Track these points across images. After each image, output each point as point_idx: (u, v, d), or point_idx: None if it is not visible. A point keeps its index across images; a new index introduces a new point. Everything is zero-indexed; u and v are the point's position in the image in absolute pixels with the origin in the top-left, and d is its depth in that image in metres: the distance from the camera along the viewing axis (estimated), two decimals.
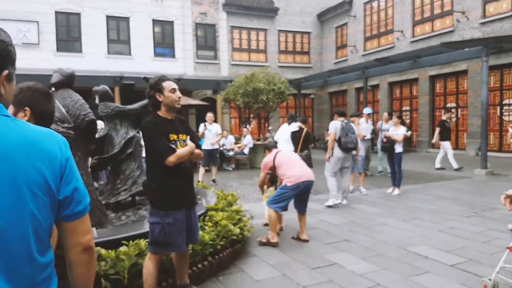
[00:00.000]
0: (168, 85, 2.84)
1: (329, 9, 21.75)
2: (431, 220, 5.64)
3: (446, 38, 14.54)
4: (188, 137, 2.93)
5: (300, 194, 4.77)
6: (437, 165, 11.11)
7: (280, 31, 21.75)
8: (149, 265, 2.88)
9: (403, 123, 7.99)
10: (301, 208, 4.86)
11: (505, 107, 13.36)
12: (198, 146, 2.99)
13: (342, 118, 6.79)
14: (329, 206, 6.63)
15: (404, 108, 17.98)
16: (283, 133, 8.24)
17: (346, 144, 6.51)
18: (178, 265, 3.16)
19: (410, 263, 3.99)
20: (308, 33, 22.55)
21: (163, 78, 2.89)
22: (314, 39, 22.73)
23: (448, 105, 15.72)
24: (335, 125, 6.67)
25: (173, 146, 2.80)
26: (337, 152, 6.63)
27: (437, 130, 11.09)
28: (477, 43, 10.79)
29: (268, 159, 4.97)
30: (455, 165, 10.70)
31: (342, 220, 5.78)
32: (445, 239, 4.73)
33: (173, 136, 2.86)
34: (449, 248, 4.39)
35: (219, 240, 3.87)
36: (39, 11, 16.39)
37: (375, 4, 19.08)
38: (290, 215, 5.31)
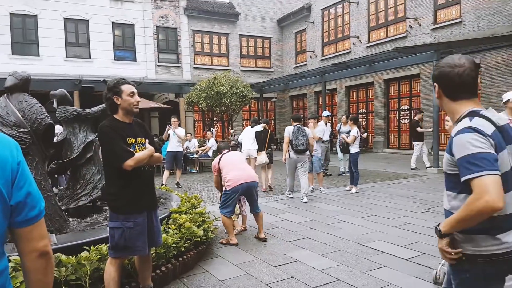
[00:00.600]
0: (127, 88, 2.81)
1: (288, 15, 22.23)
2: (387, 216, 5.94)
3: (400, 43, 15.32)
4: (147, 140, 2.90)
5: (246, 196, 4.93)
6: (427, 164, 10.96)
7: (241, 35, 21.97)
8: (110, 269, 2.85)
9: (356, 123, 8.31)
10: (252, 208, 5.01)
11: None
12: (157, 150, 2.98)
13: (296, 123, 7.34)
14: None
15: (360, 111, 18.70)
16: (247, 133, 8.58)
17: (297, 146, 7.12)
18: (140, 269, 3.14)
19: (367, 258, 4.18)
20: (269, 38, 22.93)
21: (122, 81, 2.84)
22: (275, 44, 23.14)
23: (402, 107, 16.54)
24: (288, 130, 7.36)
25: (131, 149, 2.76)
26: (291, 153, 7.25)
27: (418, 129, 11.10)
28: (429, 48, 11.44)
29: (215, 161, 5.11)
30: (413, 165, 11.15)
31: (303, 219, 5.96)
32: (400, 235, 4.98)
33: (131, 140, 2.82)
34: (404, 243, 4.63)
35: (183, 242, 3.89)
36: None
37: (332, 10, 19.74)
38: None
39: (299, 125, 7.29)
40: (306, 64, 21.28)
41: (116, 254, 2.85)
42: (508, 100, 4.36)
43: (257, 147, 8.52)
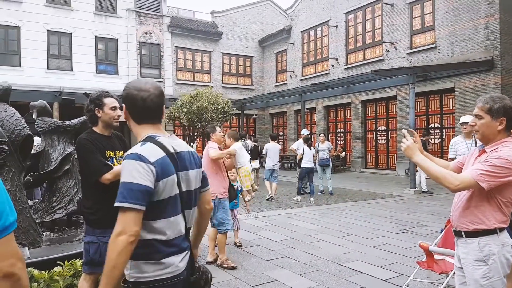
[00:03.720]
0: (109, 102, 2.77)
1: (269, 36, 22.72)
2: (365, 236, 5.98)
3: (377, 66, 15.84)
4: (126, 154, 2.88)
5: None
6: (423, 188, 10.68)
7: (223, 53, 22.24)
8: (84, 286, 2.73)
9: (306, 142, 9.81)
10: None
11: (431, 131, 14.60)
12: None
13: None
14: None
15: (338, 130, 19.06)
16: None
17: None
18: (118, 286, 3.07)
19: (346, 278, 4.19)
20: (250, 57, 23.31)
21: (105, 94, 2.80)
22: (256, 63, 23.52)
23: (379, 128, 16.96)
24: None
25: (110, 163, 2.70)
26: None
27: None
28: (405, 71, 11.88)
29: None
30: (424, 188, 10.68)
31: (282, 237, 5.96)
32: (378, 255, 5.01)
33: (110, 153, 2.76)
34: (382, 264, 4.66)
35: None
36: None
37: (312, 33, 20.29)
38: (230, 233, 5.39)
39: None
40: (286, 83, 21.66)
41: (90, 270, 2.72)
42: (465, 123, 4.46)
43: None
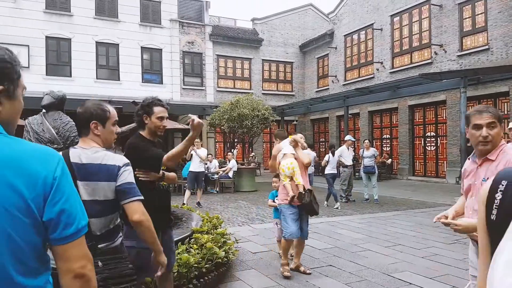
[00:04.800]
0: (158, 111, 2.76)
1: (311, 41, 22.54)
2: (413, 246, 5.72)
3: (425, 70, 15.20)
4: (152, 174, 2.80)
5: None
6: None
7: (264, 60, 22.36)
8: None
9: (330, 149, 10.14)
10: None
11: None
12: (173, 169, 2.97)
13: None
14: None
15: (384, 136, 18.45)
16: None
17: None
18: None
19: None
20: (291, 63, 23.24)
21: (156, 103, 2.79)
22: (297, 68, 23.41)
23: (428, 134, 16.22)
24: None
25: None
26: None
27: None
28: (455, 75, 11.29)
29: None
30: None
31: (325, 245, 5.81)
32: (428, 266, 4.78)
33: None
34: (433, 275, 4.44)
35: (204, 263, 3.84)
36: (30, 35, 16.48)
37: (355, 36, 19.89)
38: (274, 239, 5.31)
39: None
40: (328, 88, 21.35)
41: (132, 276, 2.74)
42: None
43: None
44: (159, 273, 2.37)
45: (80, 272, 1.07)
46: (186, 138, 2.81)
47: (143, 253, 2.59)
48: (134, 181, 2.04)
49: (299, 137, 4.78)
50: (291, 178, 4.49)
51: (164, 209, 2.93)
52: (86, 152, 2.00)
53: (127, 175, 2.01)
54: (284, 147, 4.67)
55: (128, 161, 2.09)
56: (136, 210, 1.99)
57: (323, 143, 22.31)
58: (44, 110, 3.61)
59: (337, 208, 9.29)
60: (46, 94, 3.67)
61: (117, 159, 2.04)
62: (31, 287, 1.02)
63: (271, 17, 22.82)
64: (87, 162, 1.97)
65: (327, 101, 17.03)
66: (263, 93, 21.96)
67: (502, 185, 0.86)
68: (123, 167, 2.01)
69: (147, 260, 2.61)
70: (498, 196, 0.85)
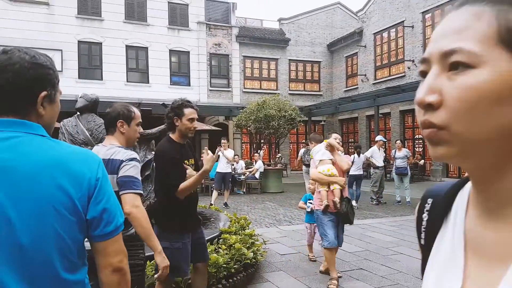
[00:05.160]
0: (188, 112, 2.80)
1: (339, 40, 22.21)
2: None
3: None
4: (189, 169, 2.84)
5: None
6: None
7: (290, 60, 22.23)
8: None
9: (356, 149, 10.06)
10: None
11: None
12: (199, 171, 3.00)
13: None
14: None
15: (416, 136, 17.91)
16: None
17: (304, 161, 10.89)
18: (196, 286, 3.12)
19: None
20: (318, 62, 22.99)
21: (186, 104, 2.83)
22: (324, 68, 23.13)
23: None
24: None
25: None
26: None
27: None
28: None
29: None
30: None
31: (356, 248, 5.69)
32: None
33: (186, 162, 2.86)
34: None
35: (233, 263, 3.84)
36: (63, 40, 17.12)
37: (385, 34, 19.44)
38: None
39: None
40: (357, 87, 20.97)
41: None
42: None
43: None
44: (155, 276, 2.35)
45: (118, 266, 1.14)
46: (199, 172, 2.76)
47: (176, 253, 2.68)
48: (135, 176, 2.13)
49: (334, 139, 4.40)
50: (328, 186, 4.21)
51: (195, 211, 3.00)
52: (103, 149, 2.20)
53: (128, 169, 2.11)
54: (318, 151, 4.38)
55: (135, 157, 2.20)
56: (127, 202, 2.05)
57: (352, 144, 21.94)
58: (78, 113, 3.72)
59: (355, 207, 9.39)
60: (80, 97, 3.78)
61: (123, 154, 2.17)
62: (74, 282, 1.08)
63: (298, 17, 22.66)
64: (102, 158, 2.06)
65: (356, 101, 16.71)
66: (290, 93, 21.84)
67: (428, 204, 0.67)
68: (125, 161, 2.13)
69: (179, 261, 2.67)
70: (425, 217, 0.66)
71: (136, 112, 2.40)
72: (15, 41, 15.19)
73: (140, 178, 2.20)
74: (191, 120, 2.80)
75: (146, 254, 3.43)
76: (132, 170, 2.13)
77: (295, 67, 22.45)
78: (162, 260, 2.22)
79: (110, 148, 2.21)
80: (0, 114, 1.06)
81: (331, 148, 4.30)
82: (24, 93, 1.06)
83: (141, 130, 2.51)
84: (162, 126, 4.63)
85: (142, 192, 2.14)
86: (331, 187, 4.20)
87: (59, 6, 17.22)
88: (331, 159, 4.31)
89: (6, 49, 1.08)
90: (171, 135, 2.87)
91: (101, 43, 18.00)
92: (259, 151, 15.97)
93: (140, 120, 2.41)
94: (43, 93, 1.09)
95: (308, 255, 5.15)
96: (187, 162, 2.85)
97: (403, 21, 17.99)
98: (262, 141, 16.75)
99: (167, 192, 2.75)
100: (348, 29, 22.45)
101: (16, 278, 0.98)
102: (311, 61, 22.78)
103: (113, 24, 18.12)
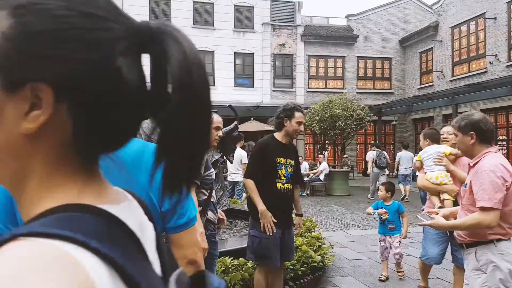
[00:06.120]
0: (298, 116, 3.08)
1: (412, 35, 20.96)
2: None
3: None
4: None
5: None
6: None
7: (359, 57, 21.44)
8: (258, 277, 3.11)
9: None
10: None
11: None
12: (300, 177, 3.37)
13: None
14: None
15: (499, 137, 16.25)
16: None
17: (380, 164, 11.46)
18: (272, 285, 3.21)
19: None
20: (389, 58, 21.90)
21: (297, 108, 3.12)
22: (396, 64, 21.98)
23: None
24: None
25: (278, 168, 3.03)
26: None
27: None
28: None
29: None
30: None
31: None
32: None
33: (281, 160, 3.08)
34: None
35: (299, 265, 3.75)
36: None
37: (464, 28, 17.92)
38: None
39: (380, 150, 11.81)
40: (432, 85, 19.60)
41: (255, 260, 3.13)
42: None
43: None
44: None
45: (192, 258, 1.17)
46: (261, 209, 2.97)
47: (264, 242, 2.97)
48: None
49: (447, 135, 3.57)
50: (439, 195, 3.52)
51: (286, 208, 3.18)
52: None
53: None
54: (428, 156, 3.59)
55: None
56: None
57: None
58: None
59: (422, 209, 8.83)
60: None
61: None
62: None
63: (367, 12, 21.79)
64: None
65: (432, 99, 15.62)
66: (358, 92, 21.07)
67: None
68: None
69: (267, 249, 2.97)
70: None
71: (214, 118, 2.65)
72: None
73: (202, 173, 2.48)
74: (299, 123, 3.08)
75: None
76: None
77: (364, 64, 21.62)
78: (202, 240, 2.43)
79: None
80: None
81: (446, 163, 3.50)
82: None
83: (220, 133, 2.82)
84: (228, 128, 4.67)
85: (197, 183, 2.36)
86: (441, 197, 3.51)
87: (132, 14, 17.41)
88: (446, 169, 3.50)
89: None
90: (275, 134, 3.19)
91: None
92: (323, 152, 15.62)
93: (218, 125, 2.75)
94: None
95: (381, 275, 4.40)
96: (288, 162, 3.10)
97: (484, 13, 16.44)
98: (327, 142, 16.37)
99: (259, 181, 3.06)
100: (422, 23, 21.10)
101: None
102: (381, 58, 21.78)
103: (182, 30, 18.88)
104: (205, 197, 2.69)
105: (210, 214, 2.83)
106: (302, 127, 3.13)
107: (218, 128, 2.89)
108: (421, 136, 4.03)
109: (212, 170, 2.83)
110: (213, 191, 2.87)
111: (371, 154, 11.80)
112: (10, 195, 0.97)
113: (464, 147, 2.36)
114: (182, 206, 1.15)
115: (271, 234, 2.93)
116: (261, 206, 2.98)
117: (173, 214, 1.14)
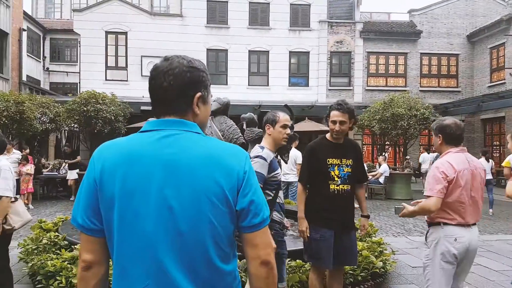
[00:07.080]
0: (332, 115, 3.00)
1: (481, 29, 19.46)
2: None
3: None
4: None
5: None
6: None
7: (422, 54, 20.34)
8: (312, 277, 3.12)
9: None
10: None
11: None
12: (363, 177, 3.24)
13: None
14: None
15: None
16: None
17: None
18: (330, 286, 3.20)
19: None
20: (456, 55, 20.51)
21: (333, 107, 3.04)
22: (463, 61, 20.54)
23: None
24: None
25: (330, 170, 2.95)
26: None
27: None
28: None
29: None
30: None
31: (503, 267, 4.90)
32: None
33: (333, 161, 2.97)
34: None
35: (359, 271, 3.68)
36: (193, 49, 18.44)
37: None
38: None
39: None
40: (504, 82, 18.05)
41: (309, 260, 3.15)
42: None
43: None
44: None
45: (266, 259, 1.15)
46: (301, 222, 3.03)
47: (315, 243, 2.96)
48: (257, 170, 2.57)
49: None
50: None
51: (342, 211, 3.01)
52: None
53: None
54: None
55: (260, 155, 2.68)
56: None
57: (497, 148, 18.98)
58: (212, 115, 4.04)
59: (491, 214, 9.06)
60: (214, 101, 4.10)
61: (253, 152, 2.73)
62: (227, 272, 1.15)
63: (432, 7, 20.58)
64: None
65: (504, 97, 14.42)
66: (421, 90, 20.01)
67: None
68: (251, 158, 2.61)
69: (318, 250, 2.96)
70: None
71: (281, 116, 2.83)
72: (155, 51, 17.33)
73: (263, 172, 2.62)
74: (334, 122, 2.98)
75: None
76: (255, 165, 2.55)
77: (428, 61, 20.47)
78: None
79: (255, 147, 2.78)
80: (164, 114, 1.19)
81: None
82: (183, 94, 1.18)
83: (288, 131, 2.85)
84: None
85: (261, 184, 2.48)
86: None
87: (191, 17, 18.98)
88: None
89: (167, 56, 1.22)
90: (326, 135, 3.16)
91: (226, 50, 19.26)
92: (384, 153, 15.06)
93: (285, 123, 2.82)
94: (198, 94, 1.19)
95: None
96: (343, 161, 2.99)
97: None
98: (387, 142, 15.76)
99: (305, 185, 3.07)
100: (493, 17, 19.50)
101: (176, 265, 1.08)
102: (447, 54, 20.47)
103: (238, 31, 19.17)
104: (270, 197, 2.75)
105: (275, 214, 2.88)
106: (337, 126, 2.96)
107: (285, 126, 2.87)
108: (508, 137, 3.73)
109: (278, 171, 2.84)
110: (280, 192, 2.90)
111: (430, 156, 11.11)
112: (94, 191, 1.14)
113: (436, 146, 2.83)
114: (256, 205, 1.14)
115: (320, 238, 2.93)
116: (300, 213, 3.01)
117: (248, 212, 1.13)
